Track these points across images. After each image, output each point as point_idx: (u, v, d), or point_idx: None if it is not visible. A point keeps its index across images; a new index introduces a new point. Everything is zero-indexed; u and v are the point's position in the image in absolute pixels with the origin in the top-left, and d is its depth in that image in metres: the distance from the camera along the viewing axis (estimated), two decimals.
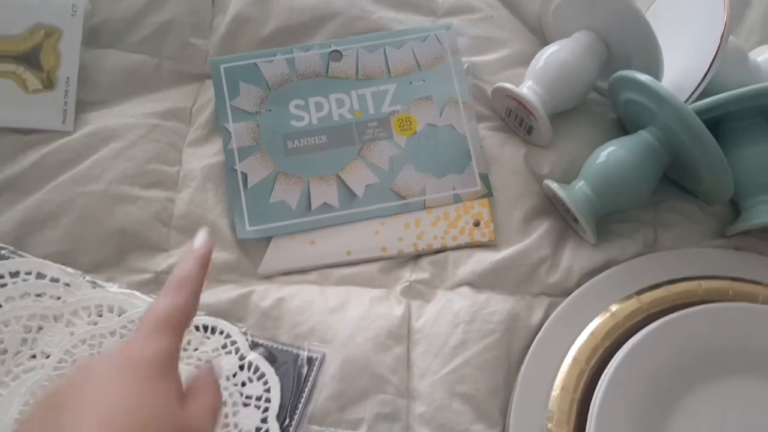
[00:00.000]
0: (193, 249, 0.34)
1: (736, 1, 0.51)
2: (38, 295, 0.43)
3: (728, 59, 0.47)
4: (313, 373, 0.41)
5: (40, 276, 0.43)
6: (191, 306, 0.32)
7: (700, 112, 0.43)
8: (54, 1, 0.49)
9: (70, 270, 0.44)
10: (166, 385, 0.28)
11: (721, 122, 0.46)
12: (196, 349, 0.42)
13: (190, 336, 0.42)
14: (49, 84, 0.48)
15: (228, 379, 0.41)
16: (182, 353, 0.41)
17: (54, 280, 0.43)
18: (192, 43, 0.52)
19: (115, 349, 0.30)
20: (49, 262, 0.44)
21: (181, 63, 0.52)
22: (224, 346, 0.42)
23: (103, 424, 0.25)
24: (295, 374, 0.41)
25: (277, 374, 0.41)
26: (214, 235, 0.46)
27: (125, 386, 0.27)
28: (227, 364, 0.41)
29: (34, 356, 0.42)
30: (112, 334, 0.42)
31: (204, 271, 0.34)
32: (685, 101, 0.47)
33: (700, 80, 0.45)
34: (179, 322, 0.31)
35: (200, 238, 0.34)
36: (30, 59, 0.48)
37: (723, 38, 0.45)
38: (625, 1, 0.45)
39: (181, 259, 0.35)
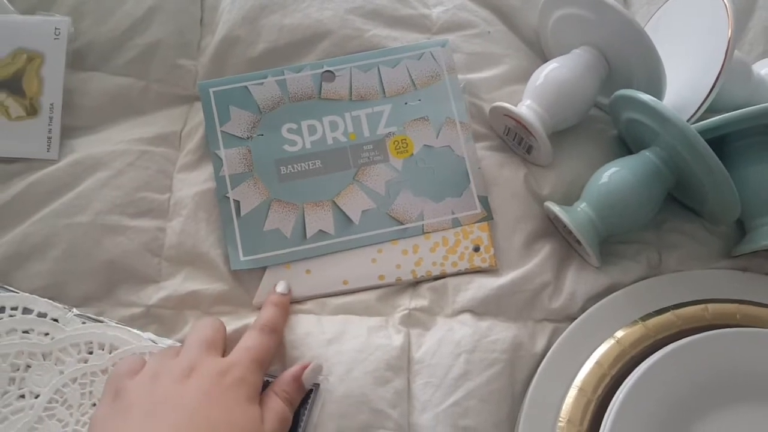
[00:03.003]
0: (276, 294, 0.43)
1: (738, 12, 0.50)
2: (25, 332, 0.42)
3: (732, 74, 0.45)
4: (307, 406, 0.40)
5: (26, 311, 0.42)
6: (277, 348, 0.41)
7: (704, 132, 0.42)
8: (36, 24, 0.47)
9: (57, 304, 0.42)
10: (255, 408, 0.36)
11: (725, 140, 0.45)
12: None
13: None
14: (32, 111, 0.47)
15: None
16: None
17: (41, 315, 0.42)
18: (180, 64, 0.50)
19: (206, 375, 0.36)
20: (36, 297, 0.42)
21: (169, 85, 0.50)
22: None
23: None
24: None
25: None
26: (207, 266, 0.45)
27: (228, 406, 0.35)
28: None
29: (22, 396, 0.40)
30: (104, 372, 0.41)
31: (287, 317, 0.43)
32: (689, 119, 0.45)
33: (704, 98, 0.44)
34: (268, 360, 0.39)
35: (281, 286, 0.44)
36: (12, 86, 0.47)
37: (727, 54, 0.43)
38: (627, 17, 0.44)
39: (265, 303, 0.43)
